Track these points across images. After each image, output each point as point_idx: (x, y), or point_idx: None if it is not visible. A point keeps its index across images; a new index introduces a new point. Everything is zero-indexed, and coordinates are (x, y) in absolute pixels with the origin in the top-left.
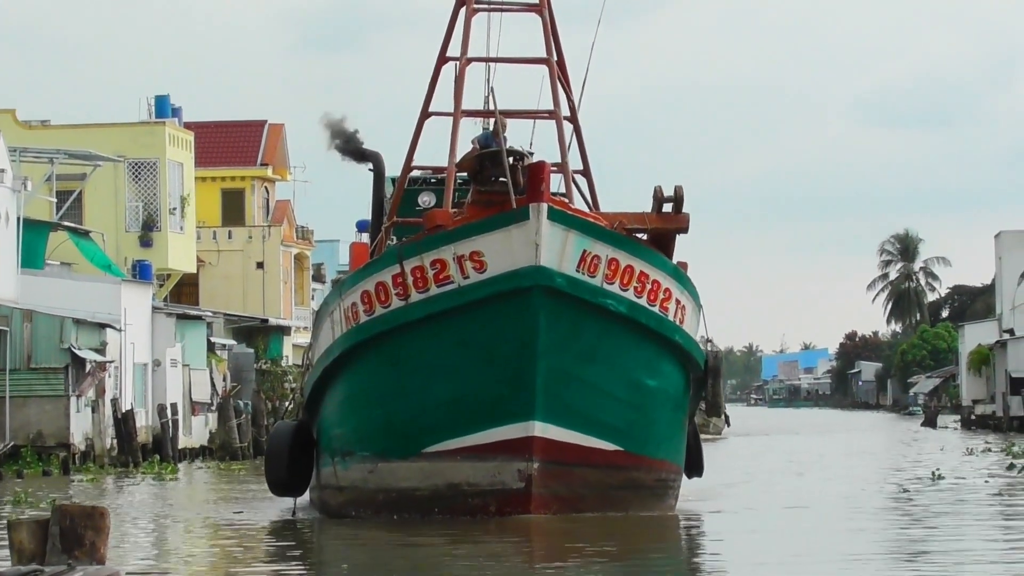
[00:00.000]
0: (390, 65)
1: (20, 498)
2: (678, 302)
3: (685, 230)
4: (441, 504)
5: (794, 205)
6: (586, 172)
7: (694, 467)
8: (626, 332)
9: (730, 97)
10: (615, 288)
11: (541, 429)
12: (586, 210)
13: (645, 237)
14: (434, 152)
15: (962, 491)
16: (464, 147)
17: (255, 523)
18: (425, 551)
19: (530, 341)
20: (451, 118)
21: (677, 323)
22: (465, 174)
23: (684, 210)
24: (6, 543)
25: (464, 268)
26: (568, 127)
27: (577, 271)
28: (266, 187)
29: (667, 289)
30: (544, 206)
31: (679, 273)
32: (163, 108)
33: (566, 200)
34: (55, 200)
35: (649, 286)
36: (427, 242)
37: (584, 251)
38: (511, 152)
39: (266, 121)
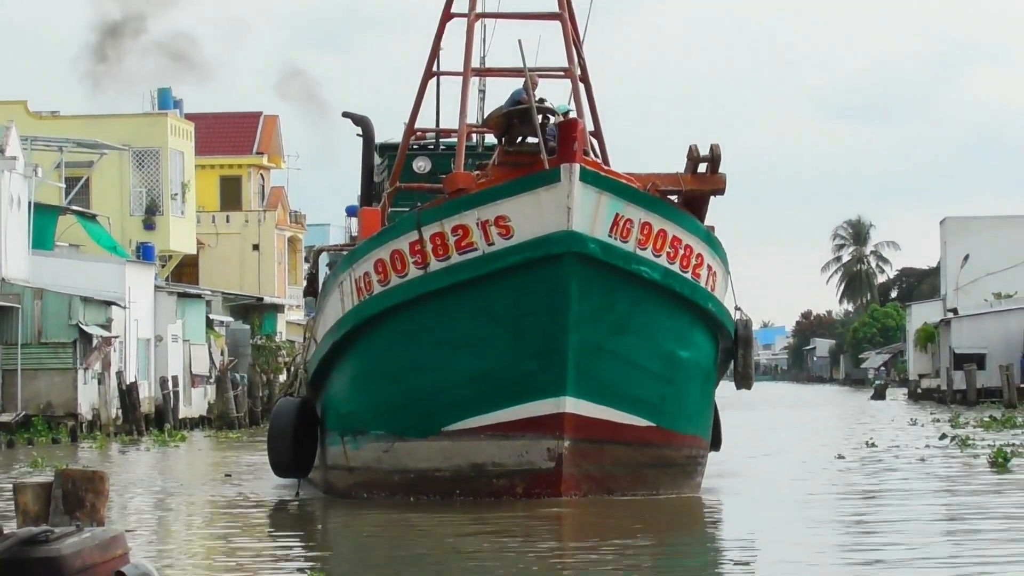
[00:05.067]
0: (379, 63)
1: (37, 462)
2: (710, 268)
3: (722, 191)
4: (463, 485)
5: (753, 193)
6: (597, 133)
7: (713, 441)
8: (659, 301)
9: (693, 93)
10: (648, 254)
11: (573, 405)
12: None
13: (676, 199)
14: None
15: (892, 458)
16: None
17: (256, 497)
18: (444, 532)
19: (561, 312)
20: (432, 82)
21: (709, 290)
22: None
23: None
24: (12, 504)
25: (489, 234)
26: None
27: (610, 236)
28: (261, 174)
29: (699, 255)
30: (577, 166)
31: (711, 237)
32: (165, 100)
33: (598, 160)
34: (64, 186)
35: (682, 251)
36: (448, 207)
37: (617, 215)
38: (541, 109)
39: (261, 113)
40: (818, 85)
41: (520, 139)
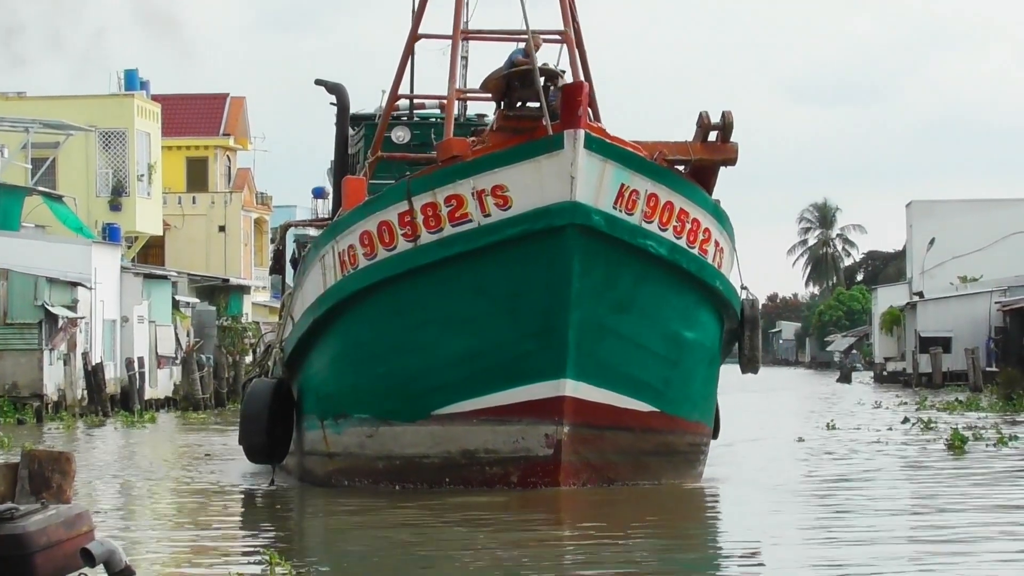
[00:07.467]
0: (347, 45)
1: (3, 443)
2: (717, 244)
3: (733, 162)
4: (454, 473)
5: (721, 176)
6: (593, 101)
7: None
8: (665, 278)
9: (660, 75)
10: (654, 228)
11: (572, 388)
12: None
13: (684, 169)
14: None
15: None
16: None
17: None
18: (430, 523)
19: (562, 288)
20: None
21: (716, 267)
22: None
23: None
24: None
25: (485, 204)
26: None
27: (614, 208)
28: (228, 156)
29: (707, 229)
30: (582, 132)
31: (718, 211)
32: (132, 81)
33: (603, 126)
34: (30, 167)
35: (689, 225)
36: (441, 175)
37: (622, 185)
38: (544, 71)
39: (228, 94)
40: (785, 68)
41: (520, 103)
